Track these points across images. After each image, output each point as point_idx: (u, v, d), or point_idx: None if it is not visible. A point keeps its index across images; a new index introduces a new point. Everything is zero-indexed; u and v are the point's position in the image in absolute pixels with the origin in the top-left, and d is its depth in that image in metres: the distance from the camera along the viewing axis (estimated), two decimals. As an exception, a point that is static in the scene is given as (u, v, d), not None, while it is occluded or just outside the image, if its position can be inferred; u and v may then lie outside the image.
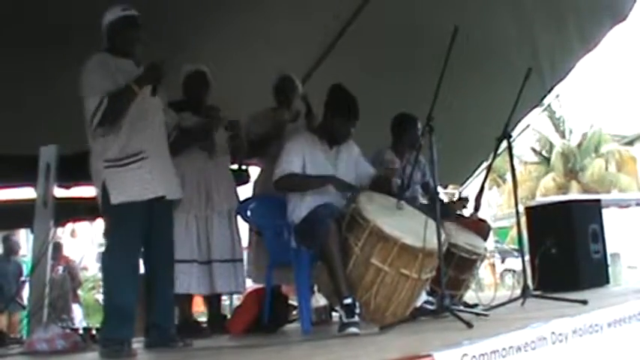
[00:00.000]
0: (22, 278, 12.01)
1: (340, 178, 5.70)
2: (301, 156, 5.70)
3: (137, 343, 5.27)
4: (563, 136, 35.81)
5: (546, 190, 32.74)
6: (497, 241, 23.84)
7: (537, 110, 10.10)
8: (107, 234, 5.08)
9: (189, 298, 6.42)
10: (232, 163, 6.81)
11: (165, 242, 5.25)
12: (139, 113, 4.98)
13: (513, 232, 26.77)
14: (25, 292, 9.29)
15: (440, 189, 7.40)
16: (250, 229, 6.73)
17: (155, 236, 5.15)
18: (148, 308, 5.23)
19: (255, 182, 6.99)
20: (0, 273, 11.87)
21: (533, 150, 36.05)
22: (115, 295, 4.99)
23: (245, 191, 6.96)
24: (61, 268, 12.26)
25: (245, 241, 6.69)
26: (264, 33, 7.71)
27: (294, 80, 7.04)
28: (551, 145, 35.64)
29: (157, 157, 5.07)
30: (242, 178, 7.24)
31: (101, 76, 4.93)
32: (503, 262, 23.37)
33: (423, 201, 7.02)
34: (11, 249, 12.30)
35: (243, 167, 7.41)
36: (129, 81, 4.89)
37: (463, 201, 7.28)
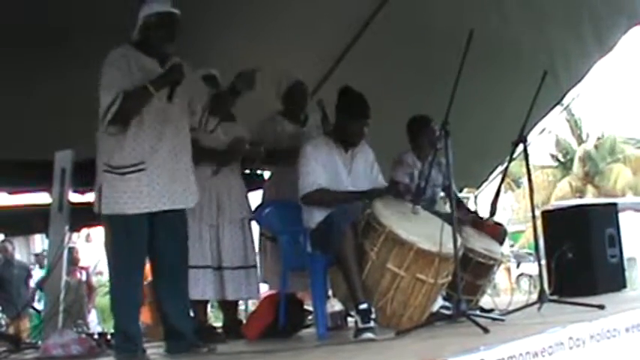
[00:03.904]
0: (31, 280, 12.09)
1: (368, 191, 5.70)
2: (321, 163, 5.70)
3: (157, 348, 5.28)
4: (579, 139, 35.70)
5: (562, 195, 32.63)
6: (511, 245, 23.77)
7: (556, 113, 10.03)
8: (106, 247, 5.04)
9: (203, 303, 6.42)
10: (245, 169, 6.81)
11: (171, 251, 5.08)
12: (149, 121, 4.87)
13: (525, 237, 26.75)
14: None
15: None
16: (261, 235, 6.73)
17: (160, 246, 5.04)
18: (163, 315, 5.20)
19: (266, 186, 6.98)
20: (5, 279, 11.89)
21: (551, 155, 35.95)
22: (117, 315, 5.01)
23: (257, 197, 6.96)
24: (78, 273, 12.32)
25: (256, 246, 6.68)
26: (278, 38, 7.71)
27: (306, 85, 7.02)
28: (568, 149, 35.55)
29: (162, 169, 4.89)
30: (256, 182, 7.24)
31: (120, 73, 4.83)
32: (518, 266, 23.26)
33: (446, 209, 6.99)
34: (9, 254, 12.33)
35: (258, 172, 7.42)
36: (146, 81, 4.78)
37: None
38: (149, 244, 5.04)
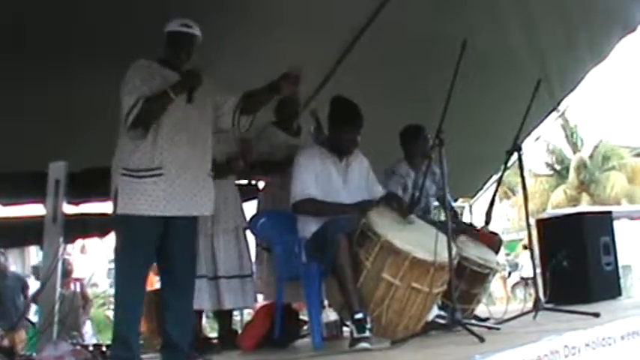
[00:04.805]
0: (28, 292, 12.02)
1: (359, 204, 5.69)
2: (313, 173, 5.70)
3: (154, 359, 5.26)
4: (575, 147, 35.70)
5: (557, 203, 32.63)
6: (507, 254, 23.79)
7: (551, 120, 10.03)
8: (115, 249, 5.04)
9: (199, 313, 6.41)
10: (239, 178, 6.81)
11: (180, 260, 5.06)
12: (167, 127, 4.91)
13: (522, 245, 26.75)
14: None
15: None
16: (257, 245, 6.73)
17: (170, 253, 5.03)
18: (163, 325, 5.17)
19: (261, 196, 6.98)
20: None
21: (546, 163, 35.95)
22: (117, 321, 4.99)
23: (253, 206, 6.95)
24: (72, 285, 12.27)
25: (252, 256, 6.67)
26: (271, 49, 7.71)
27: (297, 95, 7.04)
28: (563, 158, 35.56)
29: (179, 175, 4.91)
30: (251, 192, 7.23)
31: (141, 79, 4.91)
32: (509, 275, 23.34)
33: (441, 217, 6.99)
34: (2, 266, 12.25)
35: (253, 182, 7.41)
36: (166, 86, 4.86)
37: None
38: (160, 251, 5.05)
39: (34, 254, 17.25)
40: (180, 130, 4.96)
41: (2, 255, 12.22)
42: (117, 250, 5.03)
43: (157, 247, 5.00)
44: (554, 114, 9.89)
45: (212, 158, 5.47)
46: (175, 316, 5.06)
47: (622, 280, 8.71)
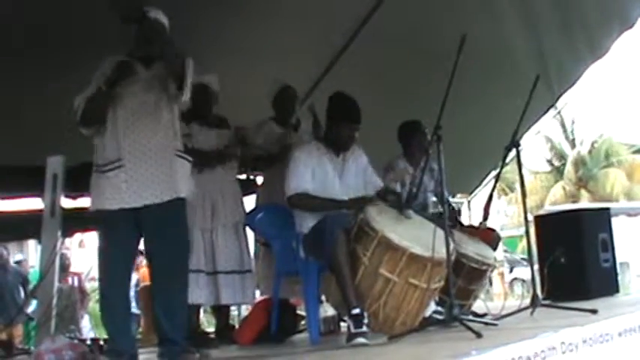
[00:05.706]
0: (29, 287, 12.03)
1: (354, 200, 5.67)
2: (310, 168, 5.69)
3: (151, 354, 5.26)
4: (573, 144, 35.69)
5: (556, 199, 32.63)
6: (506, 251, 23.82)
7: (549, 116, 10.02)
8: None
9: (196, 308, 6.41)
10: (239, 173, 6.82)
11: (161, 250, 4.92)
12: (122, 118, 4.85)
13: (524, 242, 26.77)
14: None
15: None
16: (256, 240, 6.73)
17: (151, 244, 4.97)
18: (156, 320, 5.14)
19: (258, 192, 6.98)
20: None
21: (546, 160, 35.92)
22: (104, 318, 4.98)
23: (251, 201, 6.95)
24: (70, 279, 12.28)
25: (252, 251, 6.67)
26: (269, 44, 7.70)
27: (295, 90, 7.03)
28: (562, 154, 35.54)
29: (140, 165, 4.82)
30: (251, 187, 7.23)
31: (95, 78, 4.89)
32: (511, 271, 23.36)
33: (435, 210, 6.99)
34: (4, 259, 12.26)
35: (251, 177, 7.41)
36: (131, 84, 4.83)
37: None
38: (144, 244, 5.02)
39: (33, 249, 17.24)
40: (137, 119, 4.87)
41: (5, 249, 12.23)
42: (99, 250, 5.00)
43: (137, 242, 4.99)
44: (553, 110, 9.88)
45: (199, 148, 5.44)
46: (163, 308, 4.96)
47: (620, 277, 8.70)
